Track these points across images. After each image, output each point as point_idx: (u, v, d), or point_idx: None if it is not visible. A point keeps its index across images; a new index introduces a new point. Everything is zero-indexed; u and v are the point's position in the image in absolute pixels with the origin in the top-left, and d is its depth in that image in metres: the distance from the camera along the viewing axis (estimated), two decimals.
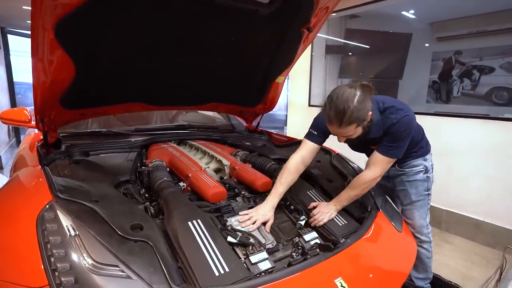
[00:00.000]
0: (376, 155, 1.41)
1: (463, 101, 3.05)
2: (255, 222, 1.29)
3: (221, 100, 2.29)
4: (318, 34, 1.87)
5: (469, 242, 2.71)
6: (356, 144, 1.60)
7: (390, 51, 3.81)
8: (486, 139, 2.62)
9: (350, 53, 4.28)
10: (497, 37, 2.81)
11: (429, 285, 1.74)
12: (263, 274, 1.04)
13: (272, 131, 2.64)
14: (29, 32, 1.16)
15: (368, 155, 1.52)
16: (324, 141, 1.54)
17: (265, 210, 1.34)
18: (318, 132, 1.50)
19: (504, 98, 2.78)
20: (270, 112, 2.54)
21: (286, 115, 4.88)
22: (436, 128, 2.86)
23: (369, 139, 1.42)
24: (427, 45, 3.38)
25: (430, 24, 3.33)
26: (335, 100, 1.24)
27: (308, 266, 1.06)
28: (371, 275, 1.16)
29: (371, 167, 1.42)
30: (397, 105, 1.39)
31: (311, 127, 1.53)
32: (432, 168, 1.65)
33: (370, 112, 1.30)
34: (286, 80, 2.24)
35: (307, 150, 1.51)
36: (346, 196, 1.42)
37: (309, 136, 1.53)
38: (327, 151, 1.99)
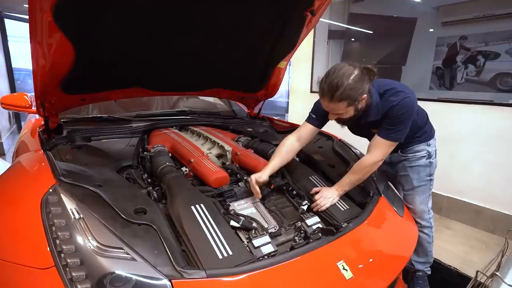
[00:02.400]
0: (377, 138, 1.40)
1: (467, 87, 3.01)
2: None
3: (222, 85, 2.27)
4: (320, 19, 1.84)
5: (469, 227, 2.73)
6: (356, 128, 1.60)
7: (393, 36, 3.74)
8: (489, 125, 2.61)
9: (353, 39, 4.21)
10: (504, 21, 2.74)
11: (429, 268, 1.77)
12: (265, 257, 1.05)
13: (274, 117, 2.63)
14: (27, 17, 1.13)
15: (370, 139, 1.52)
16: (322, 124, 1.56)
17: (260, 173, 1.40)
18: (316, 115, 1.52)
19: (509, 85, 2.74)
20: (272, 99, 2.52)
21: (288, 102, 4.85)
22: (438, 114, 2.83)
23: (369, 122, 1.41)
24: (431, 30, 3.31)
25: (435, 8, 3.26)
26: (331, 75, 1.26)
27: (310, 249, 1.06)
28: (372, 259, 1.17)
29: (372, 151, 1.41)
30: (397, 87, 1.37)
31: (311, 110, 1.55)
32: (436, 153, 1.64)
33: (365, 95, 1.29)
34: (287, 66, 2.21)
35: (304, 130, 1.55)
36: (348, 181, 1.42)
37: (308, 118, 1.56)
38: (329, 137, 1.98)
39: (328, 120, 1.52)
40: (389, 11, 3.73)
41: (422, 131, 1.57)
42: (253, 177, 1.38)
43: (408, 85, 1.42)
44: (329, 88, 1.25)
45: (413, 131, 1.52)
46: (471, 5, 2.96)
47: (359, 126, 1.49)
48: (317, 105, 1.50)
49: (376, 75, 1.34)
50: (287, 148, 1.53)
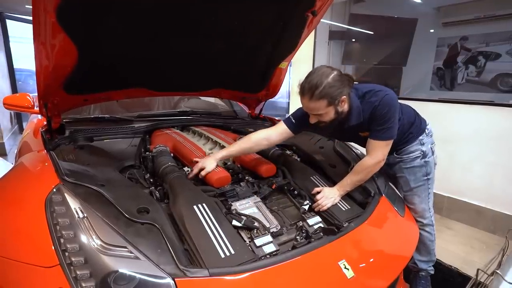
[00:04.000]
0: (372, 142, 1.42)
1: (468, 88, 3.02)
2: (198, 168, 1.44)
3: (223, 86, 2.27)
4: (321, 20, 1.84)
5: (470, 228, 2.73)
6: (342, 134, 1.62)
7: (394, 37, 3.75)
8: (489, 125, 2.61)
9: (353, 39, 4.22)
10: (504, 22, 2.75)
11: (432, 268, 1.77)
12: (267, 256, 1.05)
13: (275, 118, 2.63)
14: (29, 18, 1.14)
15: (360, 143, 1.54)
16: (298, 131, 1.58)
17: (207, 160, 1.47)
18: (295, 120, 1.56)
19: (509, 85, 2.75)
20: (272, 99, 2.53)
21: (288, 103, 4.86)
22: (439, 115, 2.85)
23: (352, 126, 1.43)
24: (432, 30, 3.32)
25: (436, 8, 3.27)
26: (311, 75, 1.31)
27: (312, 249, 1.07)
28: (373, 258, 1.18)
29: (371, 153, 1.43)
30: (375, 88, 1.41)
31: (292, 113, 1.59)
32: (433, 152, 1.64)
33: (344, 97, 1.32)
34: (288, 67, 2.22)
35: (276, 130, 1.58)
36: (350, 181, 1.43)
37: (286, 120, 1.59)
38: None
39: (303, 128, 1.56)
40: (390, 12, 3.75)
41: (414, 125, 1.58)
42: (198, 167, 1.44)
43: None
44: (309, 87, 1.29)
45: (404, 129, 1.55)
46: (471, 6, 2.97)
47: (343, 131, 1.49)
48: (299, 111, 1.54)
49: (354, 81, 1.39)
50: (252, 144, 1.55)
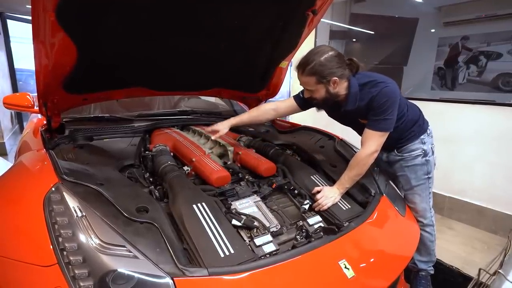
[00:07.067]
0: (367, 131, 1.43)
1: (469, 87, 3.01)
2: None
3: (224, 85, 2.27)
4: (322, 19, 1.84)
5: (471, 228, 2.72)
6: (341, 117, 1.65)
7: (395, 36, 3.74)
8: (491, 125, 2.60)
9: (354, 39, 4.21)
10: (505, 22, 2.74)
11: (432, 268, 1.76)
12: (267, 256, 1.05)
13: None
14: (29, 18, 1.14)
15: (359, 131, 1.55)
16: (306, 106, 1.65)
17: (220, 124, 1.66)
18: (303, 95, 1.60)
19: (511, 85, 2.74)
20: (273, 99, 2.52)
21: None
22: (440, 115, 2.84)
23: (348, 111, 1.45)
24: (433, 30, 3.31)
25: (437, 8, 3.26)
26: (309, 52, 1.39)
27: (312, 248, 1.07)
28: (374, 258, 1.17)
29: (365, 144, 1.44)
30: (378, 79, 1.42)
31: (302, 90, 1.63)
32: (433, 151, 1.64)
33: (336, 78, 1.36)
34: (289, 67, 2.22)
35: (285, 103, 1.70)
36: (347, 178, 1.43)
37: (296, 95, 1.68)
38: (331, 137, 1.98)
39: (311, 105, 1.61)
40: (391, 12, 3.74)
41: (417, 124, 1.59)
42: (217, 127, 1.64)
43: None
44: (302, 62, 1.39)
45: (407, 126, 1.55)
46: (473, 6, 2.96)
47: (339, 113, 1.54)
48: None
49: (361, 69, 1.43)
50: (260, 113, 1.71)
